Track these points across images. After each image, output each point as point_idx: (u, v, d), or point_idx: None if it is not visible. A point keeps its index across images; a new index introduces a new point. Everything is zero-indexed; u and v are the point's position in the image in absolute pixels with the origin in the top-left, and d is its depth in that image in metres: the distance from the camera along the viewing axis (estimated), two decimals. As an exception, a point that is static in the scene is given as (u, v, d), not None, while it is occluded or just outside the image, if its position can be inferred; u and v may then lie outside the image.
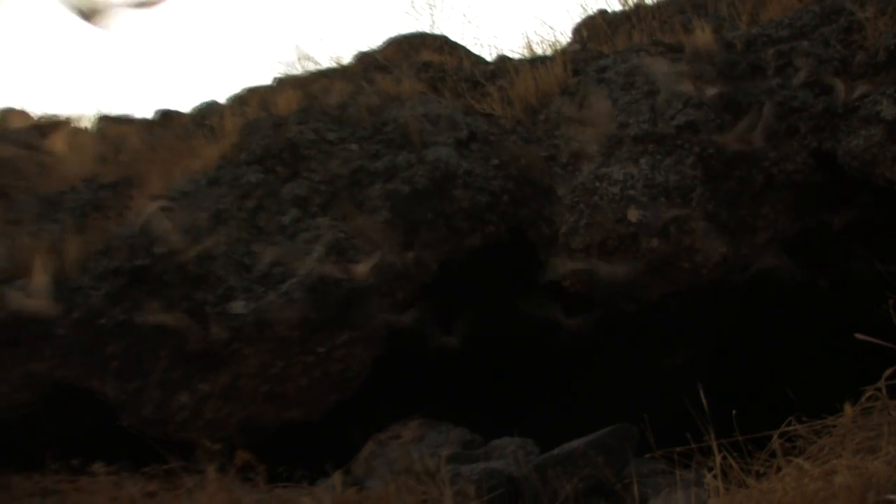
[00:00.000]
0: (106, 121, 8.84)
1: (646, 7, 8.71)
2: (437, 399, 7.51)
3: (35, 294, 7.25)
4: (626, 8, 8.91)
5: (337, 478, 6.41)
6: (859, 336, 4.51)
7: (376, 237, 7.45)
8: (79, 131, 8.78)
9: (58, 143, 8.12)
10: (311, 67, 9.10)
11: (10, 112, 8.60)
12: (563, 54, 8.28)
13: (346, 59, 9.31)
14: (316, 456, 6.62)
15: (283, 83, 8.97)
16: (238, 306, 7.19)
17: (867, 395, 4.63)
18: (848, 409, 4.67)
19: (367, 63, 8.98)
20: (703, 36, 7.48)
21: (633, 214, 7.04)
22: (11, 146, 7.86)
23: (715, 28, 7.64)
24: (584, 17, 9.28)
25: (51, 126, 8.35)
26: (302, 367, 7.29)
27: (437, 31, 9.72)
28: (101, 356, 7.30)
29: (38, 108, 9.47)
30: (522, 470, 6.26)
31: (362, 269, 7.35)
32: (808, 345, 7.23)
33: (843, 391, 4.76)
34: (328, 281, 7.16)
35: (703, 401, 4.79)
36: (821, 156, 6.87)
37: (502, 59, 8.74)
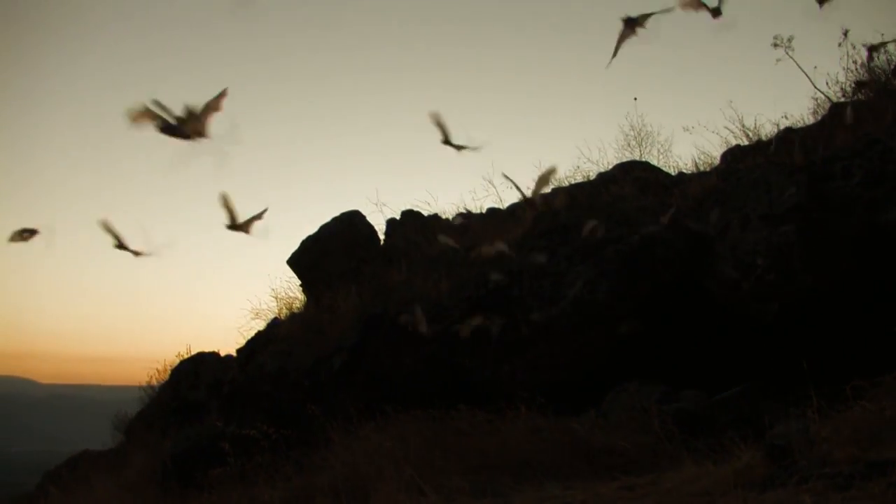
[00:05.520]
0: (459, 215, 12.29)
1: (763, 142, 11.19)
2: (645, 368, 9.09)
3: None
4: (751, 143, 11.57)
5: (592, 413, 8.44)
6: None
7: (610, 275, 9.73)
8: (440, 220, 12.26)
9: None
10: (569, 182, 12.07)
11: (407, 213, 12.35)
12: (715, 169, 10.85)
13: (592, 175, 12.32)
14: (577, 400, 8.70)
15: (557, 190, 11.79)
16: (536, 316, 9.93)
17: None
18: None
19: (605, 178, 11.71)
20: (798, 155, 9.75)
21: (759, 262, 9.12)
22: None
23: (805, 152, 9.82)
24: (727, 147, 11.93)
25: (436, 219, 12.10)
26: (568, 351, 9.79)
27: (642, 159, 12.68)
28: (459, 344, 10.23)
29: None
30: (699, 408, 7.90)
31: (603, 293, 9.63)
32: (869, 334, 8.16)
33: (886, 362, 6.69)
34: (584, 301, 9.64)
35: (805, 368, 6.65)
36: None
37: (680, 174, 11.48)
